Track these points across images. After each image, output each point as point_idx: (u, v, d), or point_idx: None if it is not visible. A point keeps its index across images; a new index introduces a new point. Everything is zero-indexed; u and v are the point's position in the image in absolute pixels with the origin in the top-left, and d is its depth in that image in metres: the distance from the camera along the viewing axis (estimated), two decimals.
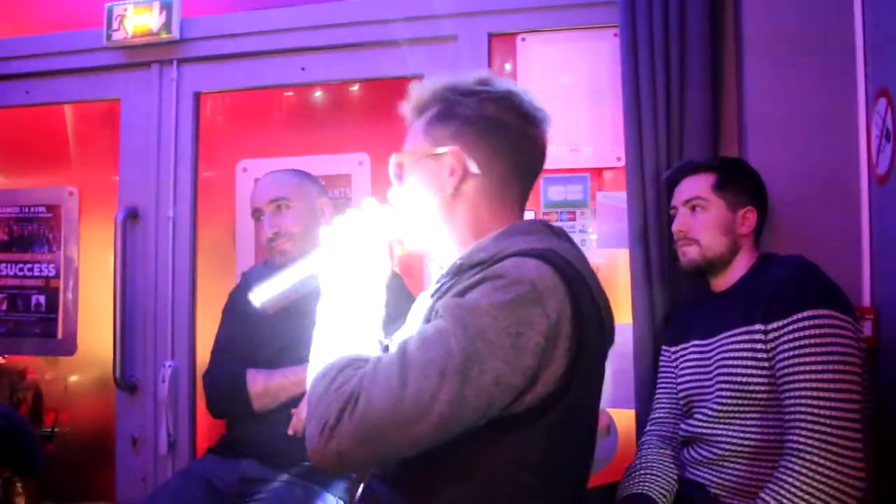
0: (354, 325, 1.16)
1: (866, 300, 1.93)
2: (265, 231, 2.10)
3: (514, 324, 1.04)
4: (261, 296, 1.33)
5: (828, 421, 1.43)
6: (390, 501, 1.21)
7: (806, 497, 1.39)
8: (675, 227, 1.87)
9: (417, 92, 1.33)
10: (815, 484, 1.40)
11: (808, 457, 1.42)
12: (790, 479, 1.42)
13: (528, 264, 1.09)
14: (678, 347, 1.89)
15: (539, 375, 1.07)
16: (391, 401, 1.01)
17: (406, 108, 1.36)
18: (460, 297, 1.09)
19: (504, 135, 1.27)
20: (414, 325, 1.22)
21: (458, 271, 1.21)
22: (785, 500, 1.41)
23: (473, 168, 1.25)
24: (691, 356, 1.82)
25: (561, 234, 1.30)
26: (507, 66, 2.45)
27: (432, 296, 1.27)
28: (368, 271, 1.23)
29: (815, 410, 1.45)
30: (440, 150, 1.26)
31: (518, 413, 1.08)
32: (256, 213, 2.16)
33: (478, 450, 1.11)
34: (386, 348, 1.21)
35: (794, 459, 1.44)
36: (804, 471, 1.41)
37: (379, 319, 1.20)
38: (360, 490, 1.32)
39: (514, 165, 1.29)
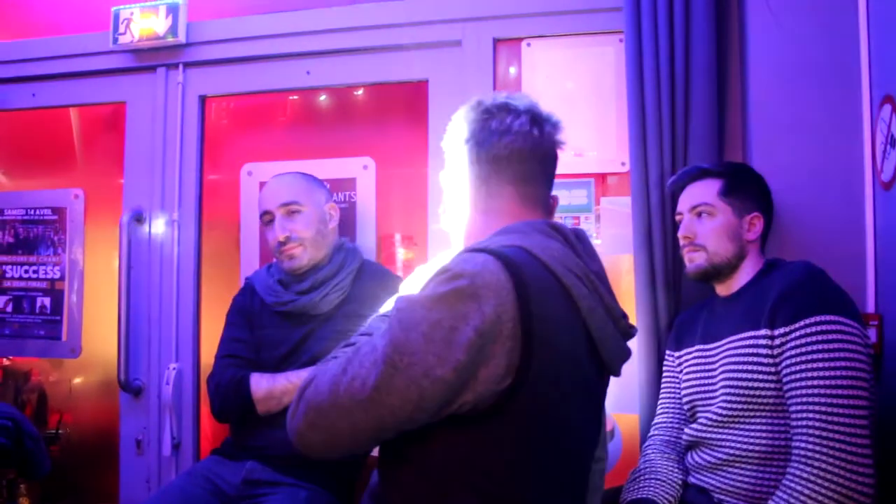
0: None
1: (871, 306, 1.93)
2: (276, 234, 2.10)
3: (448, 317, 1.05)
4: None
5: (837, 427, 1.43)
6: (378, 491, 1.25)
7: None
8: (681, 234, 1.87)
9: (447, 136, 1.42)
10: (824, 491, 1.39)
11: (817, 464, 1.42)
12: (799, 487, 1.42)
13: (474, 259, 1.10)
14: (682, 352, 1.89)
15: (477, 373, 1.06)
16: (330, 386, 1.10)
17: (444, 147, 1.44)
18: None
19: (480, 145, 1.33)
20: None
21: None
22: None
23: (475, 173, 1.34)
24: (695, 361, 1.82)
25: (557, 234, 1.27)
26: (512, 71, 2.46)
27: None
28: None
29: (824, 417, 1.44)
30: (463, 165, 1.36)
31: (465, 413, 1.09)
32: (266, 216, 2.15)
33: (432, 449, 1.14)
34: None
35: (802, 466, 1.44)
36: (813, 478, 1.41)
37: None
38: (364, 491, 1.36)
39: (502, 163, 1.32)
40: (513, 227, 1.26)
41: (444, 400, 1.07)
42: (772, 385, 1.58)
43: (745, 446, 1.62)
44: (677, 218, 1.92)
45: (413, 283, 1.40)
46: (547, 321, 1.10)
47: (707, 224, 1.82)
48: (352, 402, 1.07)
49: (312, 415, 1.11)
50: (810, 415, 1.47)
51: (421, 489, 1.15)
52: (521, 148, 1.31)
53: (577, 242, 1.29)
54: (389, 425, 1.09)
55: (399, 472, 1.19)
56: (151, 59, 2.72)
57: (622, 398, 2.17)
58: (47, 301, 2.84)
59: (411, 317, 1.07)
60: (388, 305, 1.38)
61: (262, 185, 2.62)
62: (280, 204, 2.11)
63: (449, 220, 1.41)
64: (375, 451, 1.29)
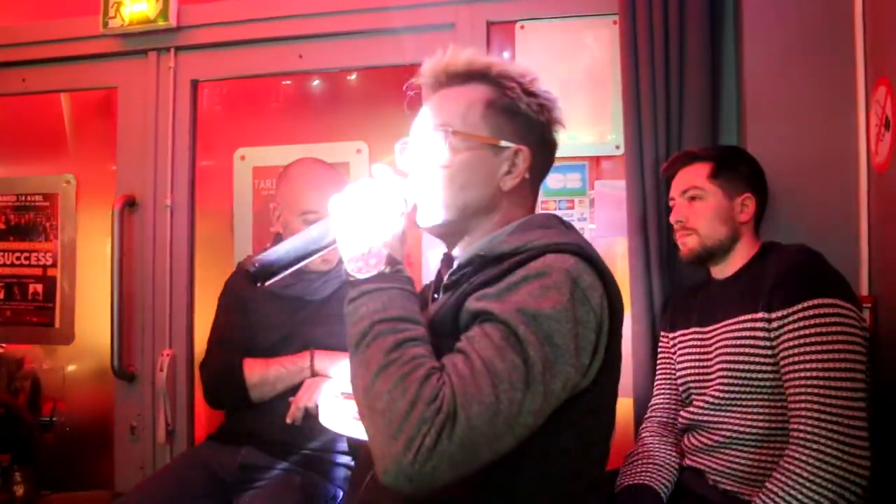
0: (409, 319, 1.06)
1: (864, 288, 1.93)
2: None
3: (574, 325, 1.03)
4: (258, 266, 1.18)
5: (834, 410, 1.43)
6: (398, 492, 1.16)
7: (813, 487, 1.40)
8: (672, 218, 1.87)
9: (463, 57, 1.28)
10: (822, 473, 1.40)
11: (815, 446, 1.42)
12: (797, 469, 1.42)
13: (567, 261, 1.08)
14: (677, 333, 1.89)
15: (591, 366, 1.08)
16: (489, 417, 0.95)
17: (434, 68, 1.29)
18: (501, 296, 1.05)
19: (548, 144, 1.30)
20: (441, 320, 1.15)
21: (481, 264, 1.18)
22: (793, 491, 1.41)
23: (526, 173, 1.25)
24: (691, 343, 1.83)
25: (571, 228, 1.29)
26: (506, 55, 2.44)
27: (446, 287, 1.25)
28: (395, 252, 1.14)
29: (822, 399, 1.45)
30: (505, 143, 1.23)
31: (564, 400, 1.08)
32: (312, 215, 1.98)
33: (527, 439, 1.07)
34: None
35: (800, 449, 1.44)
36: (811, 460, 1.42)
37: (413, 297, 1.11)
38: (367, 479, 1.30)
39: (545, 172, 1.33)
40: (536, 220, 1.26)
41: None
42: (769, 368, 1.59)
43: (741, 429, 1.63)
44: (670, 203, 1.92)
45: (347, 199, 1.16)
46: (619, 311, 1.14)
47: (698, 207, 1.81)
48: (507, 427, 0.97)
49: (464, 454, 0.95)
50: (808, 397, 1.47)
51: (486, 485, 1.08)
52: (555, 147, 1.33)
53: None
54: (524, 438, 1.01)
55: (483, 474, 1.04)
56: (142, 43, 2.70)
57: None
58: (39, 288, 2.83)
59: (543, 329, 1.01)
60: (318, 229, 1.20)
61: (256, 169, 2.62)
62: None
63: (453, 184, 1.23)
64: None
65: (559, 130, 1.31)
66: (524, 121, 1.25)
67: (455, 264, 1.27)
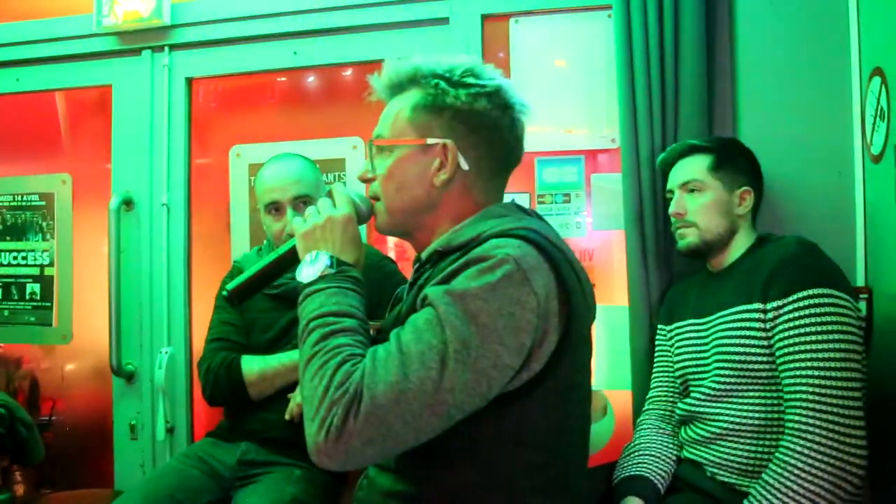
0: (338, 313, 1.14)
1: (860, 279, 1.93)
2: (287, 228, 2.05)
3: (505, 304, 1.04)
4: (232, 286, 1.33)
5: (829, 400, 1.44)
6: (389, 488, 1.21)
7: (809, 477, 1.41)
8: (672, 211, 1.87)
9: (393, 69, 1.32)
10: (817, 464, 1.41)
11: (810, 437, 1.43)
12: (792, 460, 1.43)
13: (510, 244, 1.09)
14: (673, 326, 1.90)
15: (533, 353, 1.08)
16: (395, 395, 1.00)
17: (378, 84, 1.35)
18: (446, 284, 1.09)
19: (495, 131, 1.27)
20: (401, 316, 1.20)
21: (438, 258, 1.21)
22: (788, 482, 1.42)
23: (464, 164, 1.26)
24: (688, 335, 1.83)
25: (533, 214, 1.32)
26: (500, 49, 2.43)
27: (413, 285, 1.27)
28: (345, 256, 1.23)
29: (817, 390, 1.46)
30: (431, 141, 1.26)
31: (514, 390, 1.09)
32: (275, 206, 2.07)
33: (478, 430, 1.11)
34: (374, 335, 1.20)
35: (795, 439, 1.45)
36: (806, 451, 1.42)
37: (360, 302, 1.19)
38: (360, 477, 1.33)
39: (501, 159, 1.31)
40: (494, 210, 1.27)
41: (506, 385, 1.07)
42: (765, 359, 1.59)
43: (738, 420, 1.63)
44: (668, 195, 1.91)
45: (314, 229, 1.27)
46: (575, 293, 1.13)
47: (698, 200, 1.81)
48: (423, 407, 1.01)
49: (373, 430, 1.00)
50: (803, 388, 1.48)
51: (468, 473, 1.14)
52: (517, 136, 1.31)
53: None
54: (455, 421, 1.05)
55: (436, 462, 1.15)
56: (136, 41, 2.69)
57: (614, 375, 2.17)
58: (37, 287, 2.82)
59: (468, 308, 1.04)
60: (287, 246, 1.34)
61: (252, 166, 2.62)
62: (293, 197, 2.05)
63: (406, 187, 1.28)
64: None
65: (519, 111, 1.30)
66: (453, 114, 1.26)
67: (417, 263, 1.31)
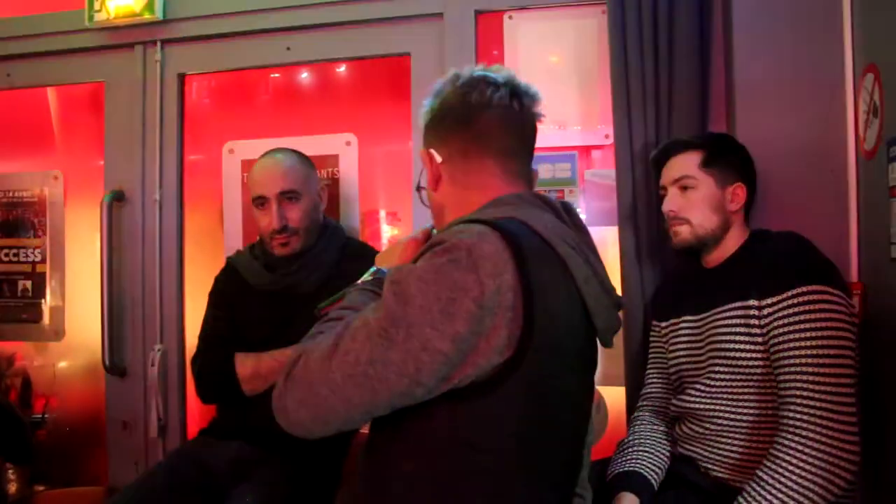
0: (346, 304, 1.28)
1: (854, 275, 1.94)
2: (272, 222, 2.04)
3: (446, 289, 1.03)
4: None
5: (823, 396, 1.44)
6: (363, 467, 1.23)
7: (803, 473, 1.41)
8: (665, 208, 1.86)
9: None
10: (811, 460, 1.41)
11: (804, 433, 1.44)
12: (787, 456, 1.44)
13: (469, 230, 1.08)
14: (668, 322, 1.90)
15: (477, 345, 1.04)
16: (322, 362, 1.07)
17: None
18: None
19: (450, 112, 1.31)
20: None
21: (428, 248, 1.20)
22: (782, 478, 1.42)
23: (437, 157, 1.31)
24: (682, 332, 1.83)
25: (547, 206, 1.27)
26: (494, 45, 2.43)
27: None
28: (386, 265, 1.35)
29: (811, 386, 1.46)
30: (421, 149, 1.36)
31: (465, 387, 1.06)
32: (261, 200, 2.08)
33: (429, 425, 1.11)
34: None
35: (790, 436, 1.45)
36: (800, 447, 1.43)
37: (369, 292, 1.30)
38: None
39: (469, 139, 1.29)
40: (502, 199, 1.24)
41: (443, 374, 1.04)
42: (759, 355, 1.59)
43: (733, 416, 1.63)
44: (661, 193, 1.91)
45: (389, 255, 1.42)
46: (547, 291, 1.09)
47: (690, 197, 1.81)
48: (345, 377, 1.04)
49: (302, 392, 1.08)
50: (798, 384, 1.48)
51: (420, 466, 1.12)
52: (502, 121, 1.29)
53: (566, 214, 1.29)
54: (384, 401, 1.06)
55: (395, 452, 1.16)
56: (129, 36, 2.68)
57: (608, 372, 2.18)
58: (28, 284, 2.81)
59: (407, 289, 1.04)
60: (365, 276, 1.38)
61: (245, 162, 2.62)
62: (279, 192, 2.05)
63: (429, 196, 1.37)
64: (365, 429, 1.24)
65: (501, 98, 1.29)
66: (440, 122, 1.33)
67: None
